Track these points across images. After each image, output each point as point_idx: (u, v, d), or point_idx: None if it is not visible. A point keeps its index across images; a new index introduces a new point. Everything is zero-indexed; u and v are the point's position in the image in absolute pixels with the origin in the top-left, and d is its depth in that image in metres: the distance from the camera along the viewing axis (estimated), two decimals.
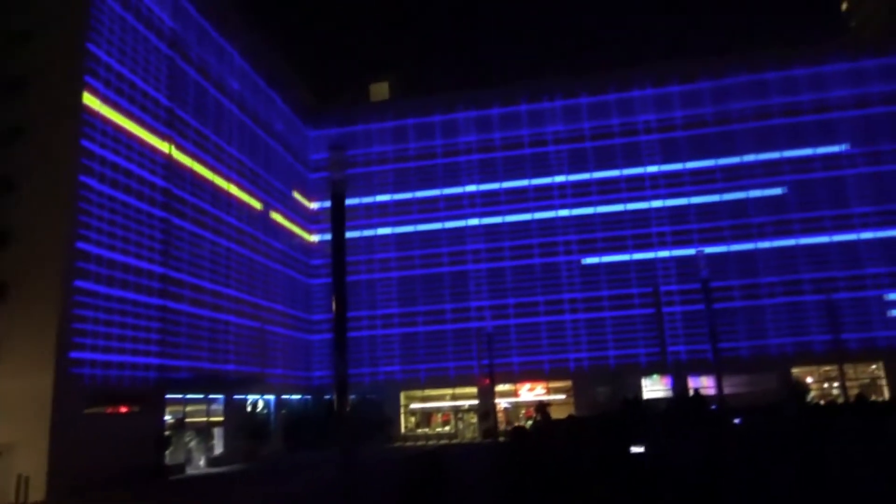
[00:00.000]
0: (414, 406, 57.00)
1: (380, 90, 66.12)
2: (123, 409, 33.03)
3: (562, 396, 53.35)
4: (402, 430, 55.41)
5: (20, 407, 28.41)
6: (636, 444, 11.05)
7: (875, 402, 34.07)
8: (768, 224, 53.76)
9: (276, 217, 52.78)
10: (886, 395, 48.62)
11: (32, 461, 27.85)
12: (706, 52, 74.66)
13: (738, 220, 54.14)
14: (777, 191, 54.20)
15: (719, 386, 33.71)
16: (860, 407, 24.58)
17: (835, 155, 53.97)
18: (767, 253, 53.41)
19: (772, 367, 50.62)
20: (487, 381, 47.94)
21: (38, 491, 27.70)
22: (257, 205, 49.48)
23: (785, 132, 54.94)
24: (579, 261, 55.57)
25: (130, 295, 33.92)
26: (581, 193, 56.76)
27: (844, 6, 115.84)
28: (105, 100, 33.47)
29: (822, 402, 44.58)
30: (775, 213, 53.81)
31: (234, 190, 46.06)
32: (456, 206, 58.38)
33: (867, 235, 52.47)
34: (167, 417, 36.43)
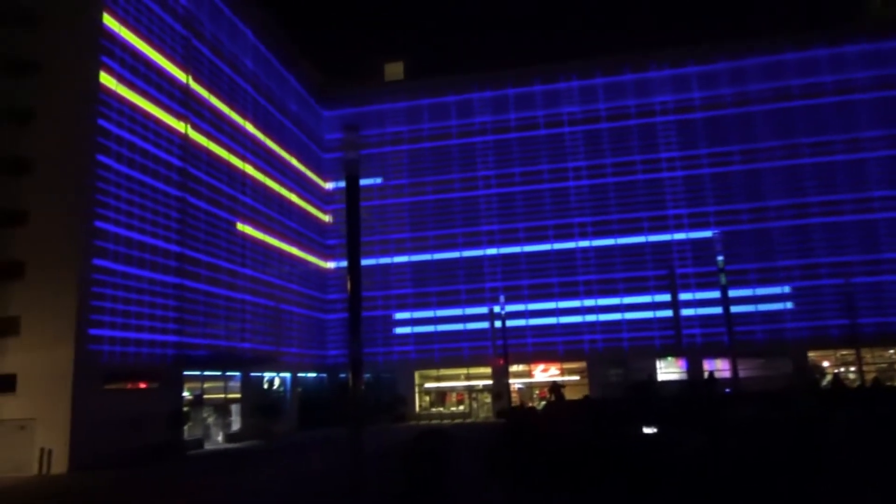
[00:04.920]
0: (428, 385, 57.43)
1: (394, 70, 65.49)
2: (142, 386, 33.61)
3: (576, 378, 53.45)
4: (417, 409, 55.95)
5: (41, 382, 29.02)
6: (648, 426, 11.05)
7: (892, 387, 33.82)
8: (786, 207, 53.12)
9: (291, 196, 52.96)
10: None
11: (53, 435, 28.54)
12: (722, 36, 73.23)
13: (755, 202, 53.51)
14: (795, 173, 53.44)
15: (734, 370, 33.55)
16: (876, 392, 24.39)
17: (855, 138, 53.03)
18: (784, 235, 52.83)
19: (787, 350, 50.37)
20: (501, 361, 48.11)
21: (59, 464, 28.40)
22: (272, 184, 49.64)
23: (804, 114, 54.03)
24: (593, 242, 55.33)
25: (147, 273, 34.34)
26: (597, 175, 56.30)
27: None
28: (121, 79, 33.62)
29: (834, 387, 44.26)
30: (793, 195, 53.13)
31: (249, 169, 46.24)
32: (471, 187, 58.21)
33: (886, 217, 51.70)
34: (185, 394, 37.04)
